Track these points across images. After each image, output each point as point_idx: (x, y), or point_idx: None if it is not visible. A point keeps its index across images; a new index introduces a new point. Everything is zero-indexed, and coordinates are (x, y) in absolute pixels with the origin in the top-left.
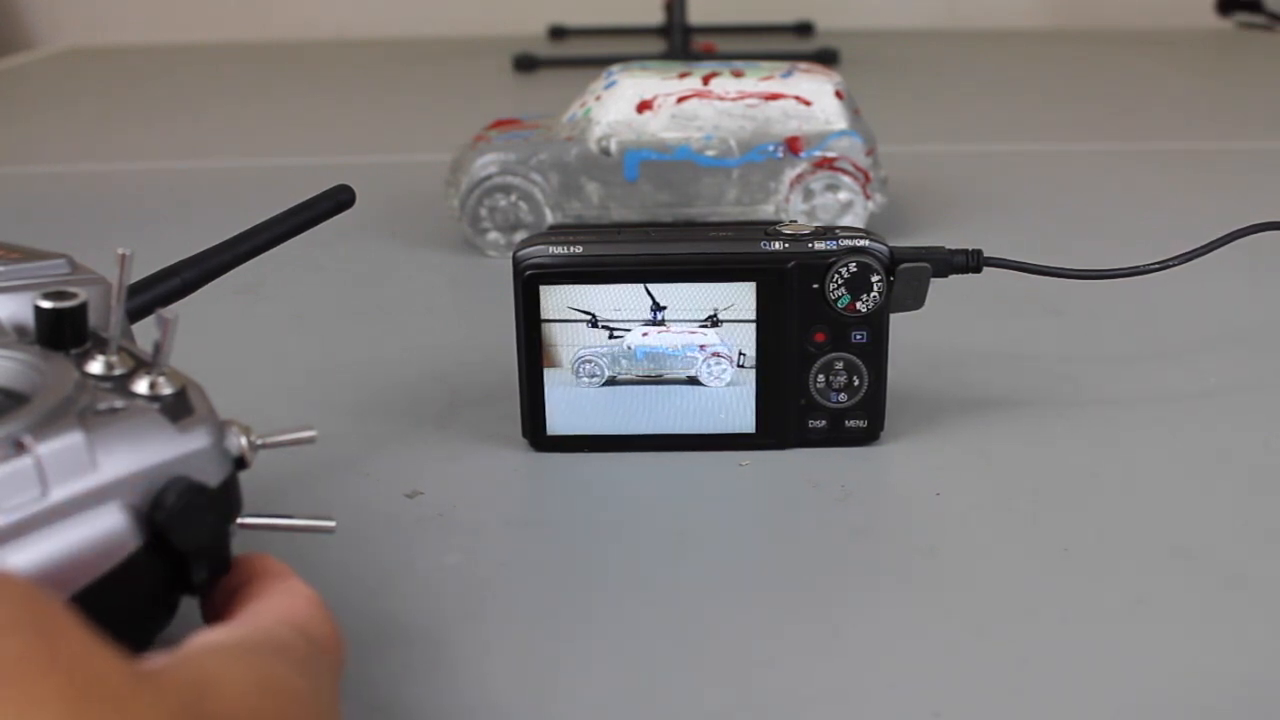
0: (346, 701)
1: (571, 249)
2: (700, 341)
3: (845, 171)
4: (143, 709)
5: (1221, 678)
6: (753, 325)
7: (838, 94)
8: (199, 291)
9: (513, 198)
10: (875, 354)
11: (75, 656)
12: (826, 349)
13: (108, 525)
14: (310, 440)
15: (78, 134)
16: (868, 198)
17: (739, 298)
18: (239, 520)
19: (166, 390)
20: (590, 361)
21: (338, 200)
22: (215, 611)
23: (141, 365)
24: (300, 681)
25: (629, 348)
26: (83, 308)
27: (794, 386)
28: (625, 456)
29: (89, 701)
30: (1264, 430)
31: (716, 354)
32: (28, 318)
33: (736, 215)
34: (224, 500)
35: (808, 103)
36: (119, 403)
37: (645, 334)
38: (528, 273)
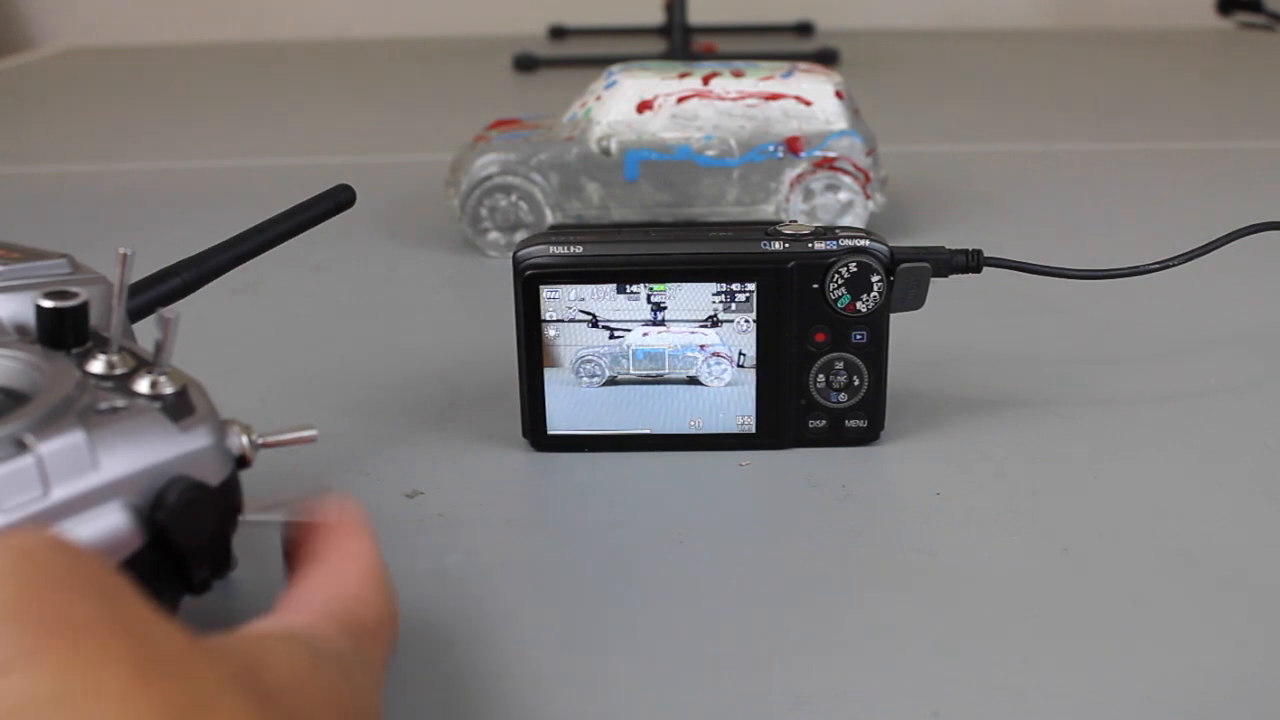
0: None
1: (572, 249)
2: (700, 341)
3: (845, 171)
4: (203, 673)
5: (1221, 677)
6: (753, 325)
7: (838, 94)
8: (199, 291)
9: (513, 198)
10: (875, 354)
11: (139, 622)
12: (826, 349)
13: (109, 524)
14: (311, 440)
15: (78, 134)
16: (868, 198)
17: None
18: (240, 519)
19: (168, 389)
20: (591, 361)
21: (338, 200)
22: (289, 550)
23: (142, 365)
24: (337, 674)
25: (629, 348)
26: (84, 307)
27: (794, 386)
28: (625, 456)
29: (153, 663)
30: (1264, 430)
31: (716, 354)
32: (29, 317)
33: (736, 215)
34: (225, 499)
35: (808, 103)
36: (120, 402)
37: (645, 334)
38: (528, 273)
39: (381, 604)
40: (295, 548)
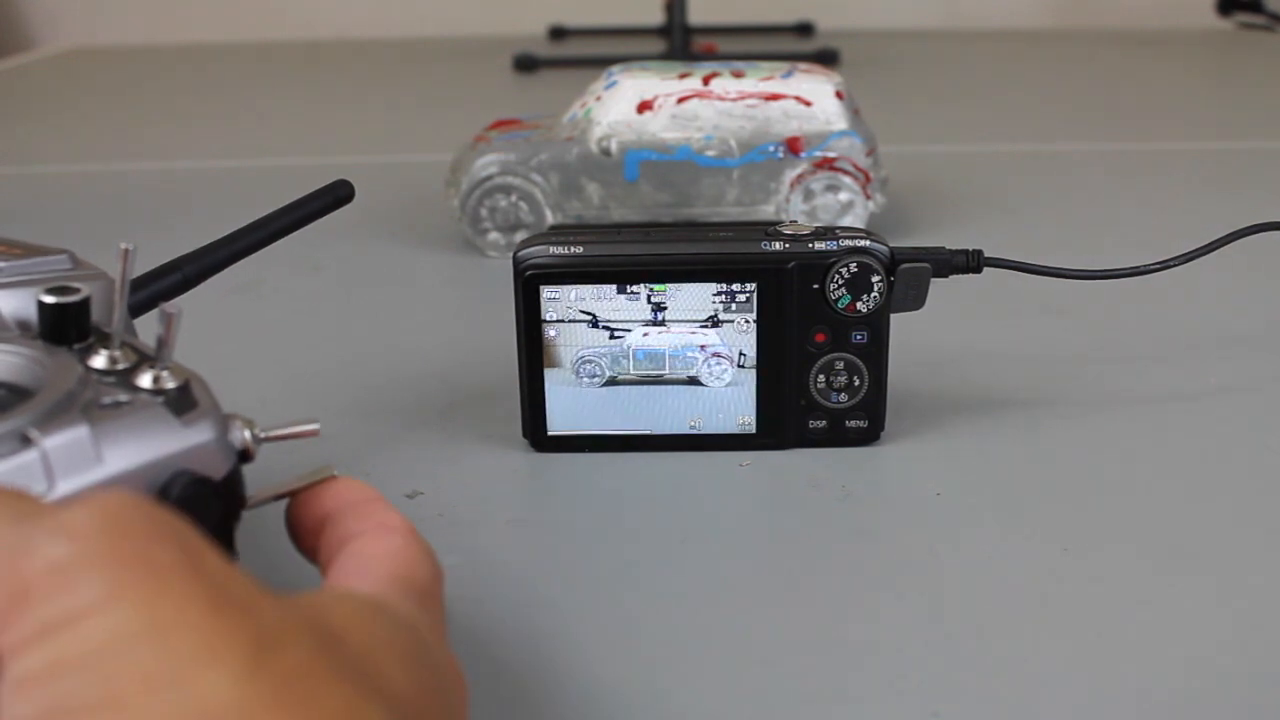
0: None
1: (572, 249)
2: (700, 342)
3: (845, 172)
4: (275, 616)
5: (1221, 678)
6: (753, 325)
7: (838, 94)
8: (198, 289)
9: (513, 198)
10: (875, 354)
11: (213, 567)
12: (827, 349)
13: None
14: (314, 434)
15: (78, 134)
16: (868, 198)
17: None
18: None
19: (170, 384)
20: (591, 362)
21: (336, 195)
22: (307, 536)
23: (145, 360)
24: (404, 631)
25: (629, 348)
26: (86, 302)
27: (794, 387)
28: (625, 456)
29: (229, 605)
30: (1264, 430)
31: (717, 354)
32: (31, 313)
33: (737, 215)
34: (228, 493)
35: (808, 103)
36: (123, 397)
37: (646, 334)
38: (528, 273)
39: (430, 563)
40: (316, 531)
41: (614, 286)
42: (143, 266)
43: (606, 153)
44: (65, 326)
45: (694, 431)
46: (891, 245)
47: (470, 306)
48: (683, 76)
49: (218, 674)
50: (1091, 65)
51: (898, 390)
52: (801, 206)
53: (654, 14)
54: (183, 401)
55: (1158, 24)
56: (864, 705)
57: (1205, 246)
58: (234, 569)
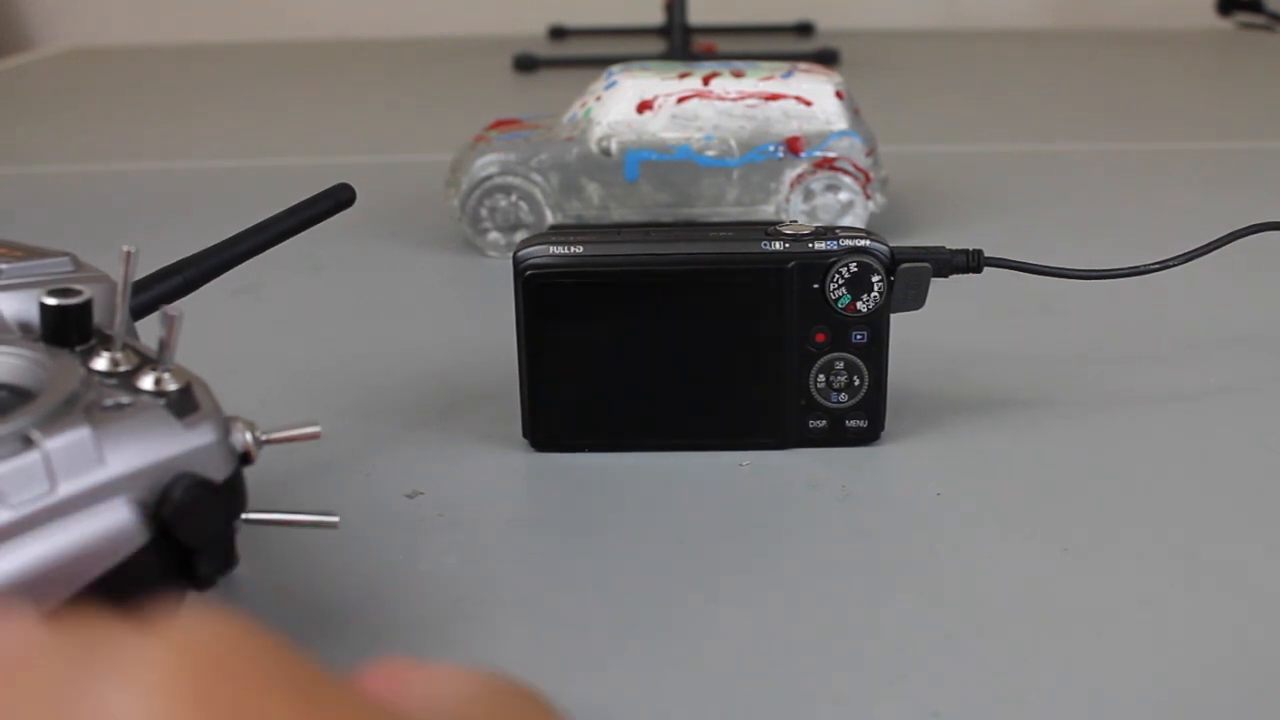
0: None
1: (572, 249)
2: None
3: (845, 172)
4: None
5: (1221, 678)
6: (753, 326)
7: (838, 94)
8: (198, 291)
9: (513, 198)
10: (875, 354)
11: (319, 704)
12: (827, 349)
13: (114, 520)
14: (315, 436)
15: (78, 134)
16: (868, 198)
17: (739, 298)
18: (244, 516)
19: (172, 387)
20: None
21: (338, 199)
22: None
23: (146, 362)
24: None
25: None
26: (88, 305)
27: (794, 386)
28: (625, 456)
29: None
30: (1264, 430)
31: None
32: (33, 315)
33: (737, 215)
34: (229, 495)
35: (808, 103)
36: (125, 399)
37: None
38: (528, 273)
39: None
40: None
41: (614, 286)
42: (143, 266)
43: (606, 153)
44: (67, 329)
45: (694, 431)
46: (891, 245)
47: (470, 306)
48: (683, 76)
49: None
50: (1091, 65)
51: (898, 390)
52: (801, 206)
53: (654, 14)
54: (184, 404)
55: (1158, 24)
56: (864, 705)
57: (1205, 246)
58: (335, 689)
